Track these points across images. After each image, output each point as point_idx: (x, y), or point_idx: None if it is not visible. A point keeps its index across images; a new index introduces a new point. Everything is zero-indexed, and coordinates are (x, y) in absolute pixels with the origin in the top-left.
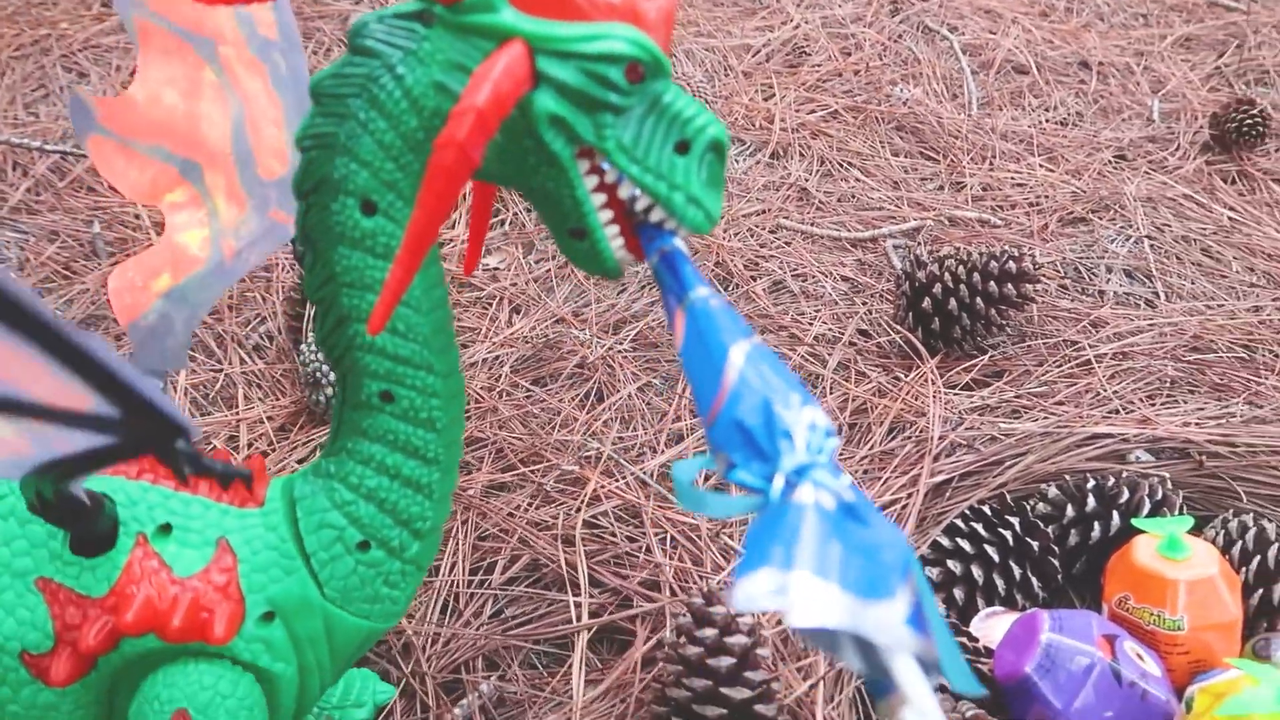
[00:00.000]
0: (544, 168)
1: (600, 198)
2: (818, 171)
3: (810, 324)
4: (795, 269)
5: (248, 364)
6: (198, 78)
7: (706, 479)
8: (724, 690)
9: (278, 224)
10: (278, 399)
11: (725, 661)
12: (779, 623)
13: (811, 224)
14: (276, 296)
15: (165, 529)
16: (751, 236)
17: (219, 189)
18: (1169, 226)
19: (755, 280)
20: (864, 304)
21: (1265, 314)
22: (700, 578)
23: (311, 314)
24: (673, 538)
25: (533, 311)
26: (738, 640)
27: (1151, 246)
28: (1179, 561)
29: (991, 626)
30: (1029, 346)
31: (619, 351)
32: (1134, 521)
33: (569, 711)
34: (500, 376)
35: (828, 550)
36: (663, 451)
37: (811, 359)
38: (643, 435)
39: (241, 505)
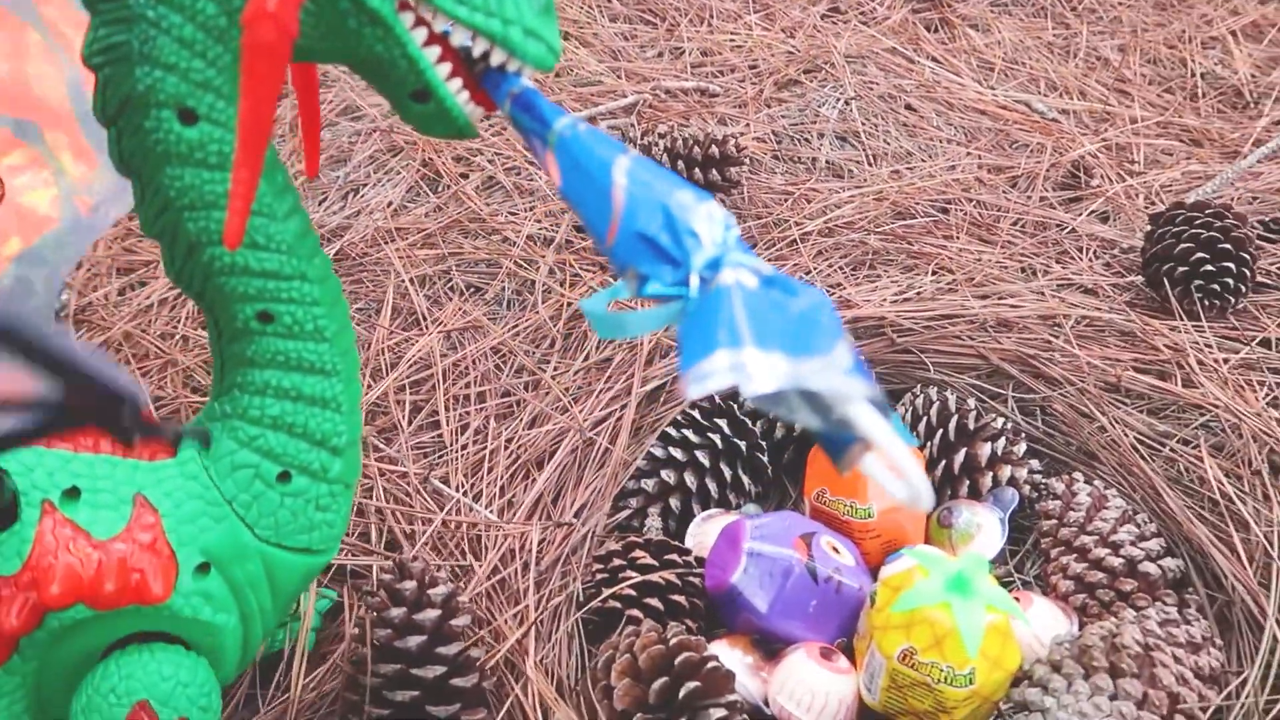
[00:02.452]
0: (366, 29)
1: (434, 51)
2: None
3: (523, 223)
4: (508, 164)
5: None
6: (20, 39)
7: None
8: (414, 671)
9: None
10: None
11: (414, 640)
12: (492, 574)
13: None
14: None
15: (73, 493)
16: None
17: (62, 146)
18: (875, 84)
19: (466, 179)
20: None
21: (959, 171)
22: (412, 534)
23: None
24: (384, 488)
25: None
26: (428, 616)
27: (858, 109)
28: None
29: (707, 531)
30: (746, 230)
31: None
32: None
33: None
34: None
35: (765, 321)
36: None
37: (524, 264)
38: None
39: (152, 459)
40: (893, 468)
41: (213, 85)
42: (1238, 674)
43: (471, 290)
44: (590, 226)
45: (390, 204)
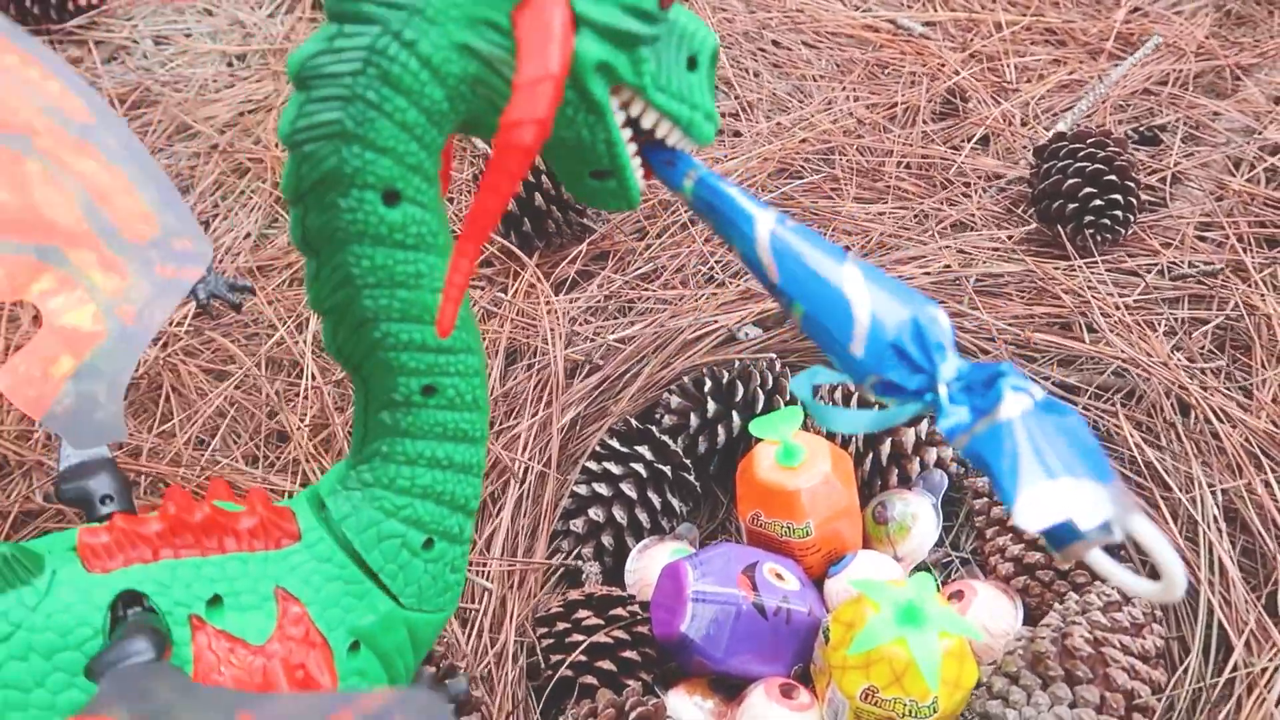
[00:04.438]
0: (581, 115)
1: (627, 132)
2: None
3: None
4: None
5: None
6: (19, 171)
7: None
8: None
9: (169, 279)
10: None
11: None
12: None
13: None
14: None
15: (216, 601)
16: None
17: (90, 264)
18: (735, 19)
19: None
20: (448, 200)
21: (836, 111)
22: None
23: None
24: None
25: None
26: None
27: (724, 53)
28: (796, 469)
29: (647, 563)
30: (638, 226)
31: None
32: (751, 430)
33: None
34: None
35: (1063, 450)
36: None
37: None
38: None
39: (278, 546)
40: (1163, 570)
41: (423, 168)
42: (1179, 639)
43: None
44: (824, 330)
45: (249, 236)
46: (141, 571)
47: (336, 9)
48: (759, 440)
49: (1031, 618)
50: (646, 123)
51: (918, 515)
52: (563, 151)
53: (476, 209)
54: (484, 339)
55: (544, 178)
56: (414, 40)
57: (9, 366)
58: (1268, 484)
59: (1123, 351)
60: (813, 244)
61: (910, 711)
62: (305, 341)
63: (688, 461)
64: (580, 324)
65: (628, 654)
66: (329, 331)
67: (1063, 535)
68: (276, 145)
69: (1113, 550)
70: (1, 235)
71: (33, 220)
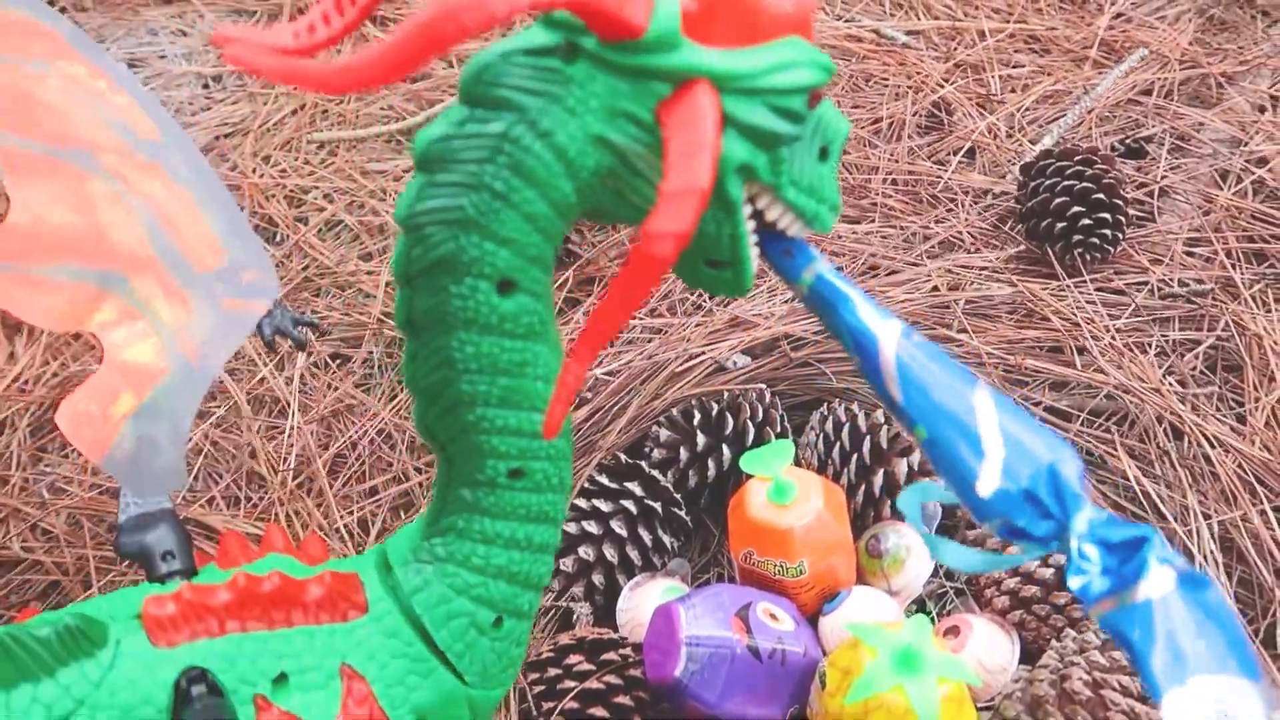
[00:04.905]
0: (712, 212)
1: (751, 224)
2: None
3: (380, 269)
4: (348, 198)
5: None
6: (84, 190)
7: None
8: None
9: (235, 312)
10: None
11: None
12: None
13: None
14: None
15: (281, 679)
16: (271, 162)
17: (153, 295)
18: None
19: (305, 224)
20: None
21: None
22: None
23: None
24: None
25: None
26: None
27: None
28: (788, 507)
29: (639, 601)
30: (624, 251)
31: None
32: (742, 466)
33: None
34: None
35: (1211, 640)
36: None
37: (390, 317)
38: None
39: (345, 619)
40: None
41: (543, 259)
42: None
43: (338, 361)
44: (949, 462)
45: None
46: (208, 647)
47: (471, 93)
48: (750, 475)
49: (1028, 652)
50: (770, 215)
51: (911, 548)
52: None
53: (603, 315)
54: None
55: None
56: (550, 131)
57: (68, 403)
58: (1263, 513)
59: (1114, 377)
60: (941, 366)
61: None
62: (290, 380)
63: (678, 496)
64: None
65: (620, 699)
66: (419, 410)
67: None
68: (254, 171)
69: None
70: (64, 259)
71: (96, 243)
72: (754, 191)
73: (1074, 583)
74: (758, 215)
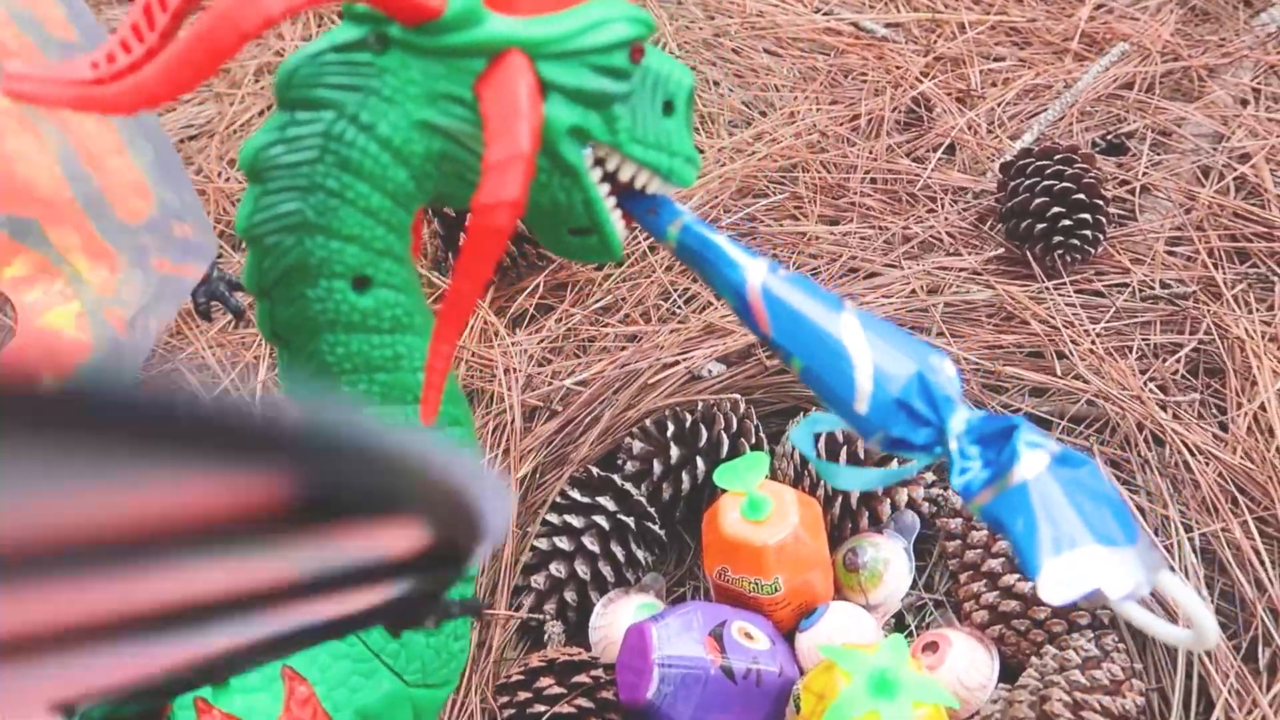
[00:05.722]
0: (555, 180)
1: (605, 187)
2: None
3: None
4: None
5: None
6: None
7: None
8: None
9: (169, 276)
10: None
11: None
12: None
13: None
14: None
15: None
16: (237, 165)
17: (73, 247)
18: (696, 27)
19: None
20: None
21: (799, 123)
22: None
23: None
24: None
25: None
26: None
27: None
28: (763, 523)
29: (612, 618)
30: None
31: None
32: (716, 480)
33: None
34: None
35: (1085, 510)
36: None
37: None
38: None
39: None
40: (1194, 621)
41: (392, 251)
42: (1159, 691)
43: None
44: (825, 385)
45: None
46: None
47: (286, 96)
48: (724, 490)
49: (1007, 667)
50: (624, 175)
51: (889, 561)
52: (539, 214)
53: (454, 294)
54: None
55: None
56: (372, 123)
57: None
58: (1245, 524)
59: (1094, 384)
60: (807, 293)
61: None
62: (253, 390)
63: (652, 510)
64: (539, 362)
65: None
66: None
67: (1090, 595)
68: (219, 175)
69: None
70: None
71: (4, 179)
72: (602, 154)
73: (957, 481)
74: (612, 178)
